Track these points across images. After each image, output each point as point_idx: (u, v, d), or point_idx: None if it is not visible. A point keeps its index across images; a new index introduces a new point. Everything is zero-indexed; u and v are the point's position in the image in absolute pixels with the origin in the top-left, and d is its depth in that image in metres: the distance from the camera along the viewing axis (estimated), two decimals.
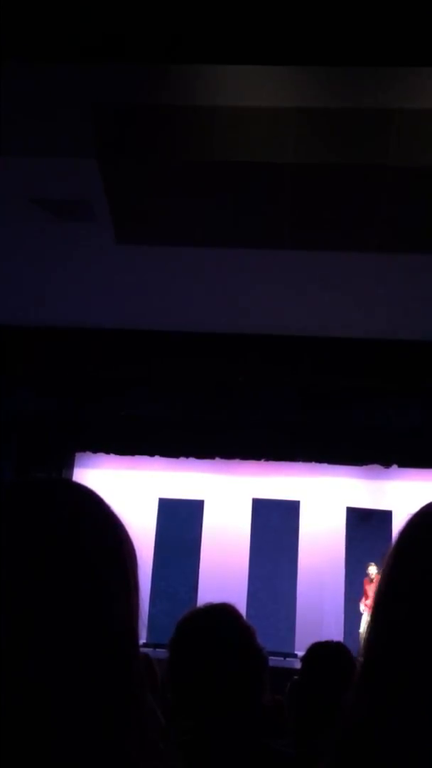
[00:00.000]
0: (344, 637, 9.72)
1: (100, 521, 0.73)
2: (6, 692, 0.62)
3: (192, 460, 11.11)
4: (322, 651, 2.33)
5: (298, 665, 3.21)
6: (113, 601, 0.69)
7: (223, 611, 1.56)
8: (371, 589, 9.99)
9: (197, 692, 1.43)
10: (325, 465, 10.99)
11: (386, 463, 10.77)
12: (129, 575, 0.73)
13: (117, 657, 0.67)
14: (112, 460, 11.24)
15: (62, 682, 0.63)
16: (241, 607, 1.66)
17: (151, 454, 11.03)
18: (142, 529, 10.81)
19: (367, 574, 10.21)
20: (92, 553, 0.70)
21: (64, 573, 0.67)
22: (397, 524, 0.77)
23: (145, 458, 11.14)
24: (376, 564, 10.17)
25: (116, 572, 0.71)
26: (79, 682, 0.64)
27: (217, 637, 1.47)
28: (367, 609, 9.99)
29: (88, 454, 11.17)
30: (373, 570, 10.12)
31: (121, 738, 0.65)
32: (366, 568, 10.29)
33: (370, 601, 9.94)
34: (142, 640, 8.94)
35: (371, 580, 10.05)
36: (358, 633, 9.97)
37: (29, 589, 0.65)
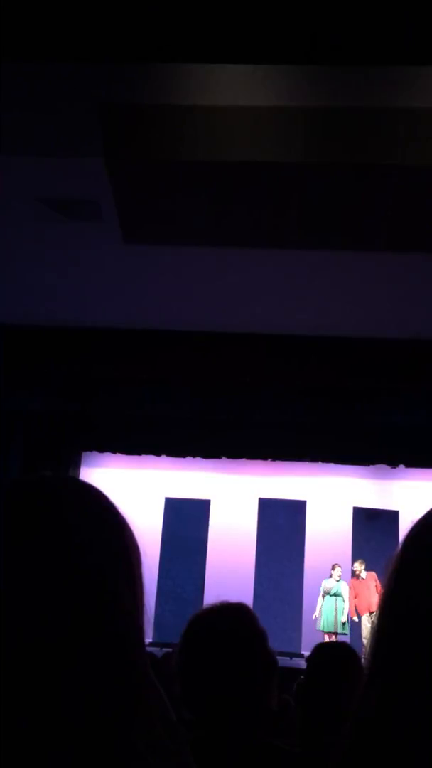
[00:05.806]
0: (350, 638, 9.70)
1: (104, 518, 0.74)
2: (12, 687, 0.62)
3: (198, 460, 11.11)
4: (327, 651, 2.33)
5: (303, 665, 3.20)
6: (118, 597, 0.69)
7: (238, 612, 1.54)
8: (360, 586, 9.93)
9: (205, 690, 1.43)
10: (331, 465, 10.99)
11: (393, 463, 10.75)
12: (134, 571, 0.73)
13: (123, 653, 0.67)
14: (119, 459, 11.26)
15: (68, 678, 0.64)
16: None
17: (158, 453, 11.03)
18: (148, 528, 10.82)
19: (353, 572, 10.16)
20: (97, 549, 0.70)
21: (70, 569, 0.67)
22: (404, 524, 0.77)
23: (152, 457, 11.14)
24: (364, 561, 10.13)
25: (121, 568, 0.71)
26: (86, 677, 0.64)
27: (230, 640, 1.46)
28: (357, 608, 9.90)
29: (95, 453, 11.18)
30: (358, 566, 10.07)
31: (129, 732, 0.65)
32: (352, 564, 10.28)
33: (358, 600, 9.88)
34: (149, 639, 8.96)
35: (357, 577, 10.01)
36: (351, 635, 9.87)
37: (35, 585, 0.65)
